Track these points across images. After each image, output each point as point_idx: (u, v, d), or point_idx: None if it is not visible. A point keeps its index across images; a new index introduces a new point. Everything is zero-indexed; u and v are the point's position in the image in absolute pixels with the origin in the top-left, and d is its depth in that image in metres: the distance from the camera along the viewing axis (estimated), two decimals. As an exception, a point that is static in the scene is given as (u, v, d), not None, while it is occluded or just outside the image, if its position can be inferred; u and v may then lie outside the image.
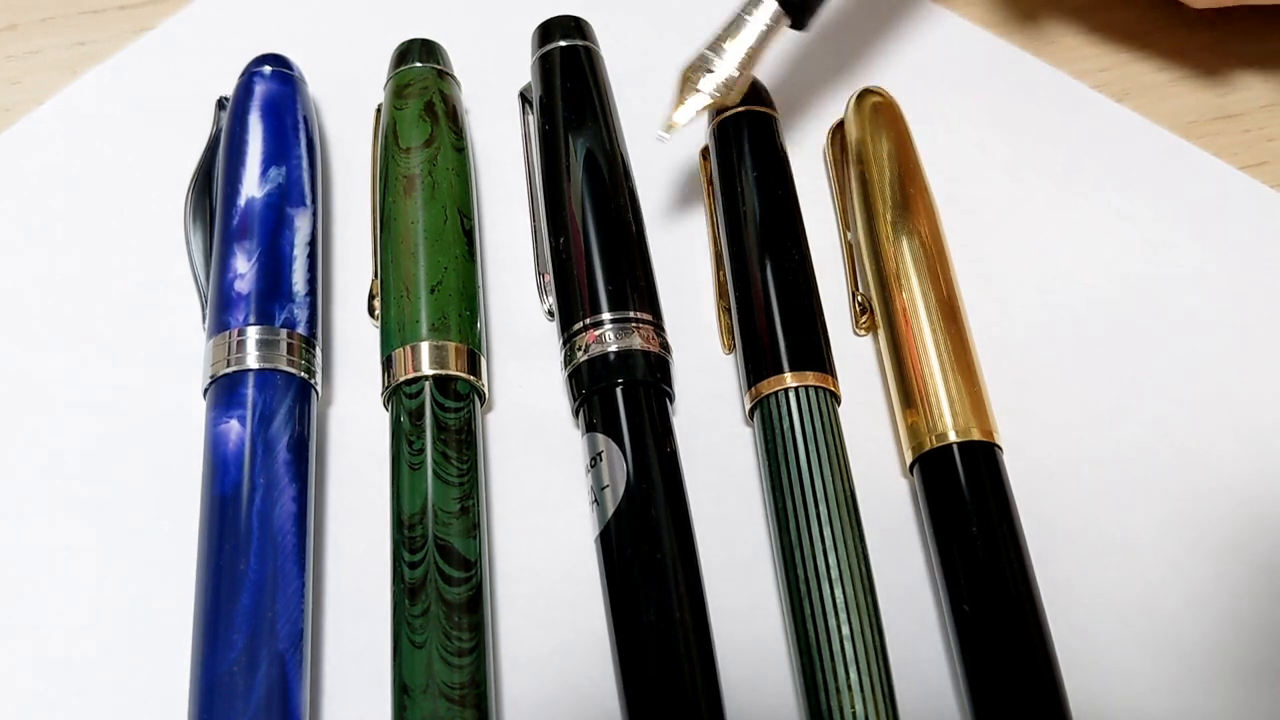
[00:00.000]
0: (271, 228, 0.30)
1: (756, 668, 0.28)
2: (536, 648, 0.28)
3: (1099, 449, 0.31)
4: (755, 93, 0.34)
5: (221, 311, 0.29)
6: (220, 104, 0.34)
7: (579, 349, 0.30)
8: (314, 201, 0.32)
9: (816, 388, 0.29)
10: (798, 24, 0.30)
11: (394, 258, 0.31)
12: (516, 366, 0.32)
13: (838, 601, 0.26)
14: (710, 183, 0.34)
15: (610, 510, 0.27)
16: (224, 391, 0.28)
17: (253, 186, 0.31)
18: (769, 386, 0.29)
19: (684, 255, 0.34)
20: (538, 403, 0.31)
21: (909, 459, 0.29)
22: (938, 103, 0.37)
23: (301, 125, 0.33)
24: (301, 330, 0.29)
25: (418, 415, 0.28)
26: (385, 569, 0.27)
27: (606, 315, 0.30)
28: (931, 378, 0.29)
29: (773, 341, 0.30)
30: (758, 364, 0.30)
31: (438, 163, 0.32)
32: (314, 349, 0.30)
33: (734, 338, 0.31)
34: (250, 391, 0.28)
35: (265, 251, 0.30)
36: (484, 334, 0.31)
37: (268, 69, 0.33)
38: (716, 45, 0.30)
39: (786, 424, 0.29)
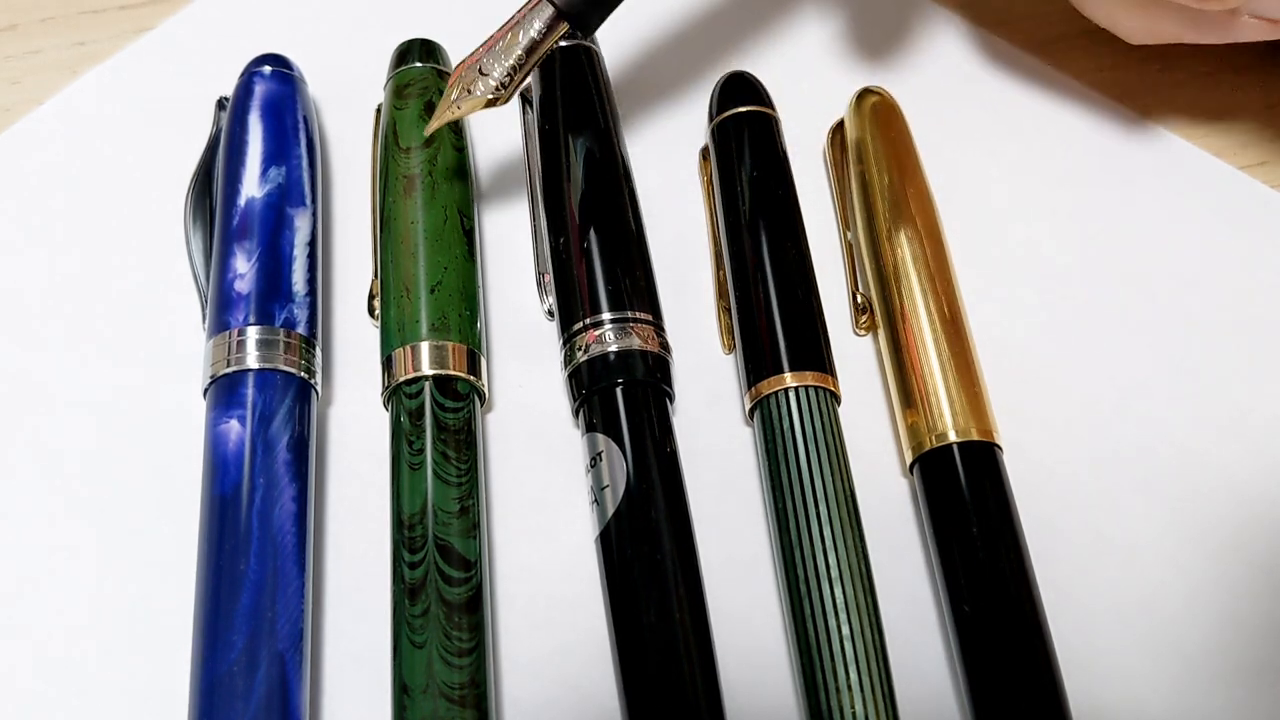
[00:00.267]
0: (271, 228, 0.30)
1: (756, 668, 0.28)
2: (536, 648, 0.28)
3: (1099, 449, 0.31)
4: (755, 93, 0.34)
5: (221, 311, 0.29)
6: (220, 104, 0.34)
7: (579, 349, 0.30)
8: (314, 201, 0.32)
9: (816, 388, 0.29)
10: (580, 28, 0.29)
11: (394, 258, 0.31)
12: (516, 366, 0.32)
13: (838, 601, 0.26)
14: (710, 183, 0.34)
15: (610, 510, 0.27)
16: (224, 391, 0.28)
17: (253, 186, 0.31)
18: (769, 386, 0.29)
19: (684, 255, 0.34)
20: (538, 403, 0.31)
21: (909, 459, 0.29)
22: (937, 102, 0.37)
23: (301, 125, 0.33)
24: (301, 330, 0.29)
25: (418, 415, 0.28)
26: (385, 569, 0.27)
27: (606, 315, 0.30)
28: (931, 378, 0.29)
29: (773, 341, 0.30)
30: (758, 364, 0.30)
31: (438, 163, 0.32)
32: (314, 349, 0.30)
33: (734, 338, 0.31)
34: (250, 391, 0.28)
35: (265, 251, 0.30)
36: (484, 334, 0.31)
37: (268, 69, 0.33)
38: (491, 47, 0.29)
39: (786, 424, 0.29)
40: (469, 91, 0.29)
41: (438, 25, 0.36)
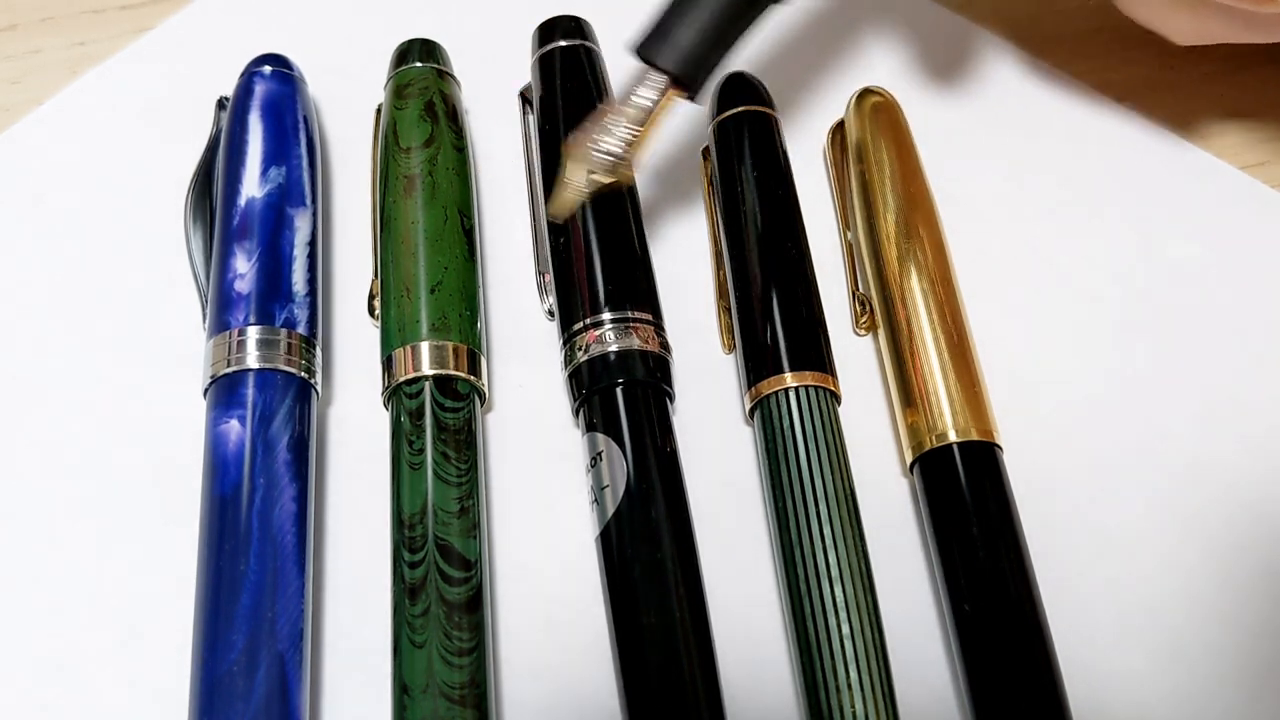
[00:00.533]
0: (271, 228, 0.30)
1: (756, 667, 0.28)
2: (536, 647, 0.28)
3: (1099, 449, 0.31)
4: (755, 93, 0.34)
5: (222, 311, 0.29)
6: (220, 104, 0.34)
7: (579, 349, 0.30)
8: (314, 201, 0.32)
9: (816, 387, 0.29)
10: (692, 96, 0.29)
11: (394, 258, 0.31)
12: (516, 366, 0.32)
13: (838, 600, 0.26)
14: (710, 183, 0.34)
15: (610, 510, 0.27)
16: (224, 391, 0.28)
17: (253, 186, 0.31)
18: (769, 386, 0.29)
19: (684, 255, 0.34)
20: (538, 403, 0.31)
21: (909, 459, 0.29)
22: (938, 102, 0.37)
23: (301, 125, 0.33)
24: (301, 330, 0.29)
25: (418, 415, 0.28)
26: (385, 569, 0.27)
27: (606, 315, 0.30)
28: (931, 378, 0.29)
29: (773, 341, 0.30)
30: (758, 364, 0.30)
31: (438, 163, 0.32)
32: (314, 349, 0.30)
33: (734, 338, 0.31)
34: (250, 391, 0.28)
35: (265, 251, 0.30)
36: (484, 334, 0.31)
37: (268, 69, 0.33)
38: (606, 121, 0.29)
39: (786, 424, 0.29)
40: (587, 169, 0.29)
41: (438, 25, 0.36)
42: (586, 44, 0.35)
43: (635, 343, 0.30)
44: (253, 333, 0.29)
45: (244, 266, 0.30)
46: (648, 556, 0.27)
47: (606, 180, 0.28)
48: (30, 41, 0.39)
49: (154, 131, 0.36)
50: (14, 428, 0.30)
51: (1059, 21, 0.40)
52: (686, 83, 0.28)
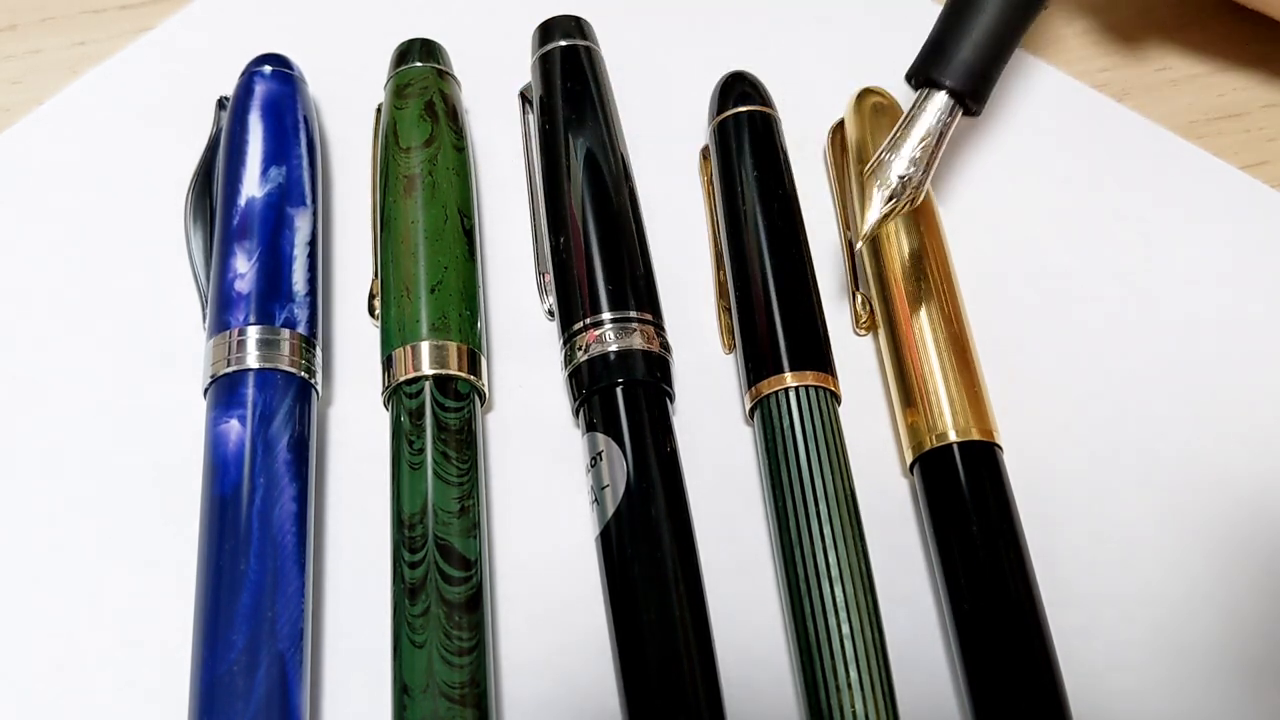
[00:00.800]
0: (271, 227, 0.30)
1: (756, 667, 0.28)
2: (536, 647, 0.28)
3: (1099, 449, 0.31)
4: (755, 92, 0.34)
5: (222, 311, 0.29)
6: (220, 104, 0.34)
7: (579, 349, 0.30)
8: (314, 201, 0.32)
9: (816, 387, 0.29)
10: (970, 111, 0.29)
11: (394, 257, 0.31)
12: (516, 366, 0.32)
13: (838, 600, 0.26)
14: (710, 183, 0.34)
15: (610, 510, 0.27)
16: (224, 391, 0.28)
17: (253, 186, 0.31)
18: (769, 386, 0.29)
19: (684, 255, 0.34)
20: (538, 403, 0.31)
21: (909, 459, 0.29)
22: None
23: (301, 125, 0.33)
24: (302, 330, 0.29)
25: (418, 415, 0.28)
26: (385, 569, 0.27)
27: (607, 315, 0.30)
28: (931, 377, 0.29)
29: (773, 341, 0.30)
30: (758, 364, 0.30)
31: (438, 162, 0.32)
32: (314, 349, 0.30)
33: (734, 338, 0.31)
34: (250, 391, 0.28)
35: (265, 251, 0.30)
36: (484, 334, 0.31)
37: (268, 69, 0.33)
38: (893, 144, 0.29)
39: (786, 424, 0.29)
40: (886, 195, 0.29)
41: (438, 25, 0.36)
42: (586, 44, 0.35)
43: (635, 342, 0.30)
44: (253, 333, 0.29)
45: (244, 266, 0.30)
46: (648, 556, 0.27)
47: (904, 204, 0.29)
48: (30, 41, 0.39)
49: (154, 131, 0.36)
50: (14, 427, 0.30)
51: (1059, 21, 0.40)
52: (971, 98, 0.29)
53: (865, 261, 0.32)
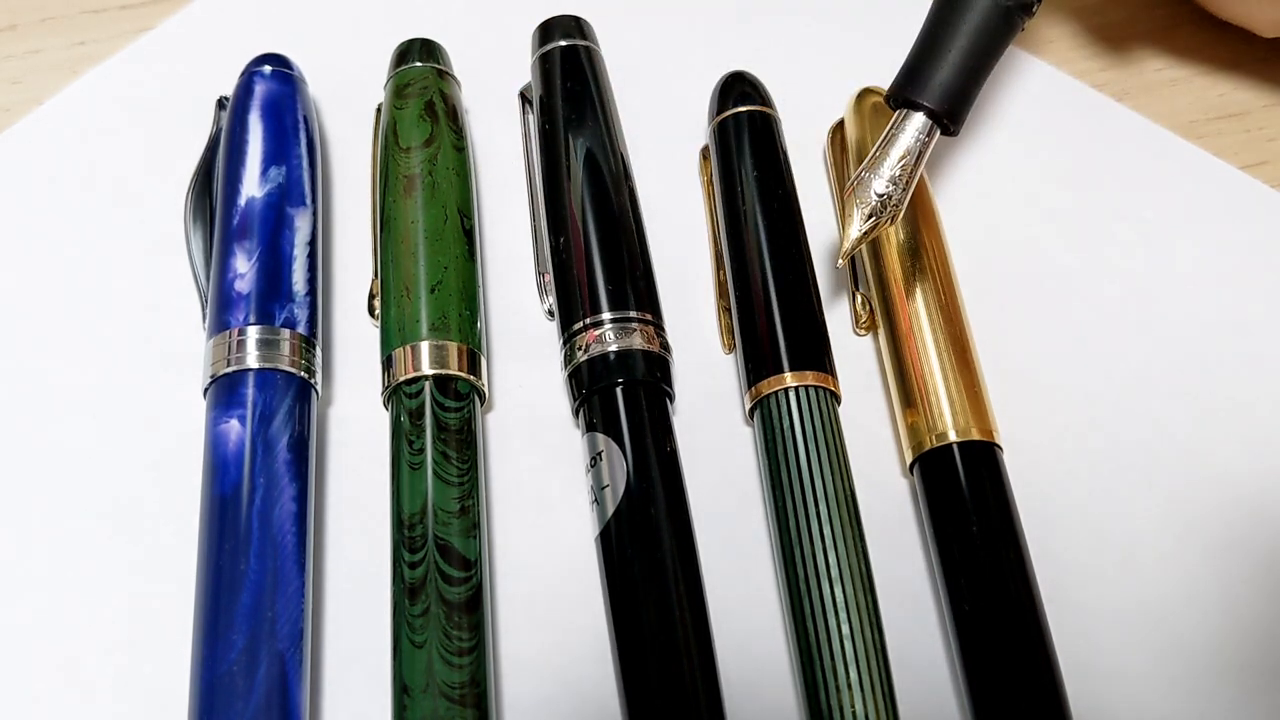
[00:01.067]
0: (271, 227, 0.30)
1: (756, 667, 0.28)
2: (536, 647, 0.28)
3: (1099, 449, 0.31)
4: (755, 92, 0.34)
5: (221, 311, 0.29)
6: (220, 104, 0.34)
7: (579, 349, 0.30)
8: (314, 201, 0.32)
9: (816, 387, 0.29)
10: (948, 131, 0.29)
11: (394, 257, 0.31)
12: (516, 366, 0.32)
13: (838, 600, 0.26)
14: (710, 183, 0.34)
15: (610, 510, 0.27)
16: (224, 391, 0.28)
17: (253, 186, 0.31)
18: (769, 386, 0.29)
19: (684, 255, 0.34)
20: (538, 403, 0.31)
21: (909, 459, 0.29)
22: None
23: (301, 125, 0.33)
24: (302, 330, 0.29)
25: (418, 415, 0.28)
26: (385, 569, 0.27)
27: (606, 315, 0.30)
28: (931, 378, 0.29)
29: (773, 341, 0.30)
30: (758, 364, 0.30)
31: (438, 162, 0.32)
32: (314, 349, 0.30)
33: (734, 338, 0.31)
34: (250, 391, 0.28)
35: (265, 251, 0.30)
36: (484, 334, 0.31)
37: (268, 69, 0.33)
38: (872, 164, 0.29)
39: (786, 424, 0.29)
40: (865, 213, 0.29)
41: (438, 25, 0.36)
42: (586, 44, 0.35)
43: (635, 342, 0.30)
44: (253, 332, 0.29)
45: (244, 266, 0.30)
46: (648, 556, 0.27)
47: (884, 222, 0.29)
48: (30, 41, 0.39)
49: (154, 131, 0.36)
50: (14, 427, 0.30)
51: (1059, 21, 0.40)
52: (949, 118, 0.29)
53: (865, 261, 0.32)
